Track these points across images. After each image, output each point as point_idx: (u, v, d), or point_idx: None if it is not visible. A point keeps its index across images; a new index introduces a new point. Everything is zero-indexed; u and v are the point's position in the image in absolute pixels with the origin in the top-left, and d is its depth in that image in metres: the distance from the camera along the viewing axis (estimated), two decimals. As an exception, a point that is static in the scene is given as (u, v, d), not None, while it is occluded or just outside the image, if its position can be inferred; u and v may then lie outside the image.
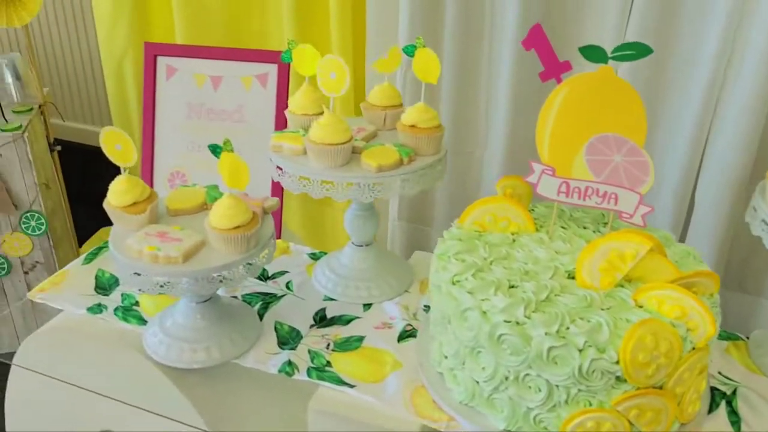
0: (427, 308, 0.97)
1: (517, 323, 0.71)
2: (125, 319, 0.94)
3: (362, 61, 1.67)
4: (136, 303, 0.98)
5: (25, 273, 1.81)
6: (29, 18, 1.69)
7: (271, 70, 1.11)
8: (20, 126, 1.67)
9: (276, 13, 1.85)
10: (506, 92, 1.41)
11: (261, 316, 0.96)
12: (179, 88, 1.13)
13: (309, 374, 0.86)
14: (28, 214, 1.74)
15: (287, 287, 1.02)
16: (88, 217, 1.99)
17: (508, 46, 1.40)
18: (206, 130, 1.13)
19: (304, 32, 1.77)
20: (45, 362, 0.95)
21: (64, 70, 2.43)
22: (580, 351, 0.68)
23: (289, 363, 0.87)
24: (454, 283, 0.77)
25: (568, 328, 0.69)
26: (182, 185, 0.92)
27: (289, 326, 0.94)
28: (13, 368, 0.99)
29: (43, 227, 1.75)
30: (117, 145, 0.81)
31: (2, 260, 1.77)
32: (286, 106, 1.10)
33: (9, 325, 1.87)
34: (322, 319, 0.96)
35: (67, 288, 1.02)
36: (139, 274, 0.78)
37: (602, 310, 0.72)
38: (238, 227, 0.78)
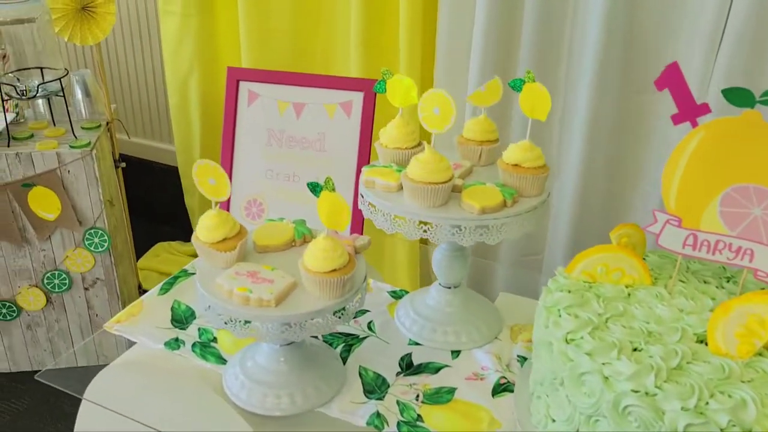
0: (521, 360, 0.90)
1: (647, 394, 0.64)
2: (203, 357, 0.90)
3: (430, 88, 1.63)
4: (214, 339, 0.94)
5: (86, 289, 1.80)
6: (102, 36, 1.69)
7: (356, 98, 1.06)
8: (89, 143, 1.67)
9: (343, 38, 1.83)
10: (581, 126, 1.35)
11: (344, 360, 0.91)
12: (261, 113, 1.09)
13: (399, 429, 0.80)
14: (91, 231, 1.73)
15: (369, 328, 0.97)
16: (143, 231, 1.99)
17: (586, 74, 1.34)
18: (286, 157, 1.09)
19: (371, 58, 1.74)
20: (118, 397, 0.91)
21: (127, 86, 2.45)
22: (722, 431, 0.60)
23: (378, 415, 0.82)
24: (568, 342, 0.70)
25: (707, 403, 0.62)
26: (268, 219, 0.88)
27: (375, 373, 0.88)
28: (84, 402, 0.96)
29: (106, 244, 1.74)
30: (210, 179, 0.78)
31: (64, 276, 1.77)
32: (371, 136, 1.06)
33: (67, 341, 1.87)
34: (408, 366, 0.90)
35: (143, 320, 0.98)
36: (229, 316, 0.74)
37: (743, 382, 0.65)
38: (334, 270, 0.73)
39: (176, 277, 1.06)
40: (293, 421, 0.83)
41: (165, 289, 1.04)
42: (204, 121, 2.19)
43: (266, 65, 1.97)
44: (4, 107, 1.66)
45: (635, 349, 0.69)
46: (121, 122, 1.89)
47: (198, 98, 2.15)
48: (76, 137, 1.70)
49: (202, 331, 0.95)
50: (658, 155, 1.36)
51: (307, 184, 0.75)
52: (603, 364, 0.67)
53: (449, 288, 0.95)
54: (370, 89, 1.06)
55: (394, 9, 1.67)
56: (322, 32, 1.89)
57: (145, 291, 2.08)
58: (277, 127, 1.09)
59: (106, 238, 1.74)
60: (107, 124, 1.79)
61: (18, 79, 1.61)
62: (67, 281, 1.78)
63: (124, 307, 1.85)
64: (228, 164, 1.11)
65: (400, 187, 0.85)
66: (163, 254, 2.40)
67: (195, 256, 2.36)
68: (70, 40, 1.68)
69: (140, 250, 2.12)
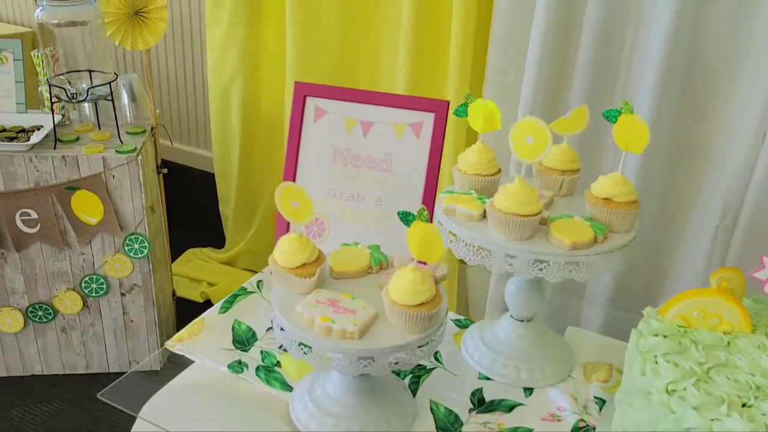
0: (599, 402, 0.86)
1: (762, 455, 0.60)
2: (268, 382, 0.87)
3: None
4: (277, 363, 0.91)
5: (122, 295, 1.79)
6: (153, 42, 1.67)
7: (427, 119, 1.03)
8: (135, 148, 1.65)
9: (391, 51, 1.81)
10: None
11: (413, 392, 0.87)
12: (327, 130, 1.07)
13: (478, 470, 0.76)
14: (132, 237, 1.71)
15: (437, 359, 0.93)
16: (174, 236, 1.97)
17: (643, 99, 1.30)
18: (350, 176, 1.06)
19: (418, 72, 1.72)
20: (177, 419, 0.88)
21: (167, 91, 2.44)
22: None
23: (454, 455, 0.78)
24: (670, 393, 0.67)
25: (830, 469, 0.58)
26: (343, 244, 0.85)
27: (446, 408, 0.85)
28: (138, 421, 0.93)
29: (146, 251, 1.73)
30: (294, 202, 0.75)
31: (102, 281, 1.75)
32: (440, 160, 1.03)
33: (101, 345, 1.85)
34: (480, 402, 0.86)
35: (204, 339, 0.95)
36: (308, 347, 0.71)
37: None
38: (422, 304, 0.70)
39: (236, 296, 1.03)
40: (363, 456, 0.79)
41: (225, 308, 1.01)
42: (244, 130, 2.18)
43: (310, 76, 1.95)
44: (52, 109, 1.65)
45: (744, 405, 0.65)
46: (165, 128, 1.87)
47: (239, 106, 2.14)
48: (122, 142, 1.68)
49: (264, 354, 0.92)
50: (714, 182, 1.32)
51: (398, 214, 0.71)
52: (712, 420, 0.63)
53: (522, 321, 0.91)
54: (442, 111, 1.02)
55: (446, 24, 1.65)
56: (369, 45, 1.87)
57: (179, 298, 2.06)
58: (343, 145, 1.06)
59: (146, 244, 1.72)
60: (152, 129, 1.77)
61: (69, 82, 1.60)
62: (104, 286, 1.76)
63: (159, 313, 1.83)
64: (291, 180, 1.08)
65: (483, 216, 0.82)
66: (194, 260, 2.38)
67: (227, 263, 2.35)
68: (120, 44, 1.66)
69: (173, 255, 2.11)
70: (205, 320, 1.00)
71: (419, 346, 0.72)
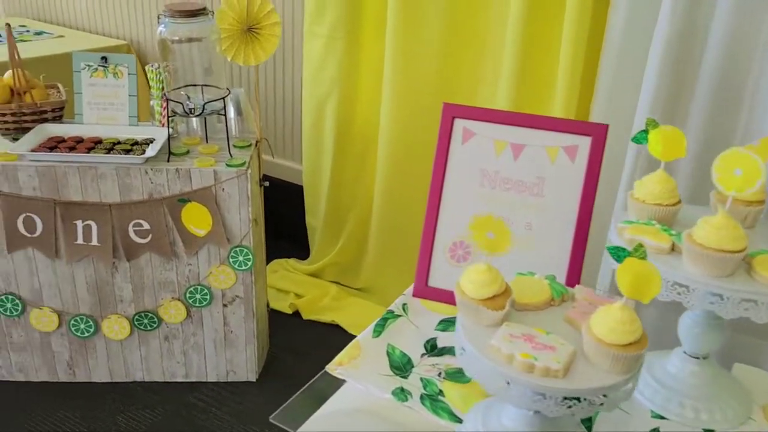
0: (785, 446, 0.82)
1: None
2: (435, 412, 0.86)
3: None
4: (440, 392, 0.89)
5: (224, 305, 1.81)
6: (265, 57, 1.70)
7: (583, 143, 1.01)
8: (244, 162, 1.67)
9: (492, 69, 1.79)
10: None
11: (587, 429, 0.85)
12: (475, 152, 1.05)
13: None
14: (237, 249, 1.73)
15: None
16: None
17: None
18: (498, 200, 1.04)
19: (521, 92, 1.70)
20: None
21: (264, 104, 2.47)
22: None
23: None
24: None
25: None
26: (518, 273, 0.83)
27: (623, 445, 0.82)
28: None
29: (250, 263, 1.74)
30: (489, 232, 0.73)
31: (206, 291, 1.77)
32: (596, 185, 1.00)
33: (200, 354, 1.87)
34: (658, 443, 0.83)
35: (363, 363, 0.94)
36: (508, 383, 0.69)
37: None
38: (631, 344, 0.68)
39: (385, 319, 1.03)
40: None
41: (377, 332, 1.00)
42: (337, 144, 2.19)
43: (408, 92, 1.95)
44: (168, 123, 1.68)
45: None
46: (267, 141, 1.89)
47: (333, 121, 2.15)
48: (231, 155, 1.71)
49: (425, 382, 0.91)
50: None
51: (608, 249, 0.69)
52: None
53: (696, 358, 0.88)
54: (600, 134, 1.00)
55: (555, 41, 1.63)
56: (470, 61, 1.86)
57: (272, 310, 2.07)
58: (492, 168, 1.04)
59: (250, 256, 1.74)
60: (256, 143, 1.79)
61: (188, 97, 1.63)
62: (208, 297, 1.79)
63: (257, 324, 1.84)
64: (436, 202, 1.07)
65: (672, 249, 0.79)
66: (280, 271, 2.40)
67: (313, 275, 2.34)
68: (233, 59, 1.69)
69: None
70: (361, 344, 0.99)
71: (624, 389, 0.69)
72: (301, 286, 2.31)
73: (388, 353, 0.96)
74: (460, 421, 0.84)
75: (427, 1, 1.83)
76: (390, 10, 1.88)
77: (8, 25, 1.75)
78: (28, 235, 1.69)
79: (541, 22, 1.62)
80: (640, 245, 0.67)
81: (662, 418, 0.87)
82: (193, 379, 1.91)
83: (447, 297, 1.05)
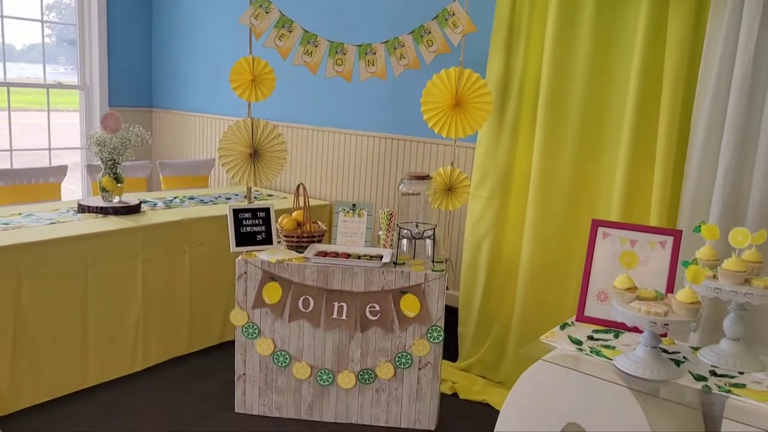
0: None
1: None
2: (597, 354, 1.69)
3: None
4: (599, 352, 1.73)
5: (419, 369, 2.65)
6: (458, 206, 2.74)
7: (669, 239, 1.93)
8: (443, 269, 2.63)
9: (606, 187, 2.73)
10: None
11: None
12: (609, 245, 1.98)
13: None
14: (433, 327, 2.62)
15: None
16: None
17: None
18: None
19: (627, 208, 2.61)
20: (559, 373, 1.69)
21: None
22: None
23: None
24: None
25: None
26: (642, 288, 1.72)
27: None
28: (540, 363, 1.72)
29: (441, 337, 2.62)
30: (627, 258, 1.64)
31: (409, 357, 2.63)
32: (677, 259, 1.90)
33: (399, 405, 2.68)
34: None
35: (556, 342, 1.80)
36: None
37: None
38: (692, 303, 1.54)
39: (565, 324, 1.89)
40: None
41: (562, 327, 1.86)
42: (488, 273, 3.12)
43: (542, 238, 2.91)
44: (398, 244, 2.70)
45: None
46: (451, 261, 2.87)
47: (486, 256, 3.11)
48: (434, 265, 2.68)
49: (590, 349, 1.75)
50: None
51: (683, 263, 1.59)
52: None
53: (734, 340, 1.69)
54: (677, 235, 1.92)
55: (649, 170, 2.56)
56: (587, 214, 2.83)
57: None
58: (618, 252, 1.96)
59: (442, 333, 2.62)
60: (445, 261, 2.77)
61: (417, 225, 2.66)
62: (410, 361, 2.65)
63: (440, 385, 2.66)
64: (588, 269, 1.98)
65: (714, 276, 1.66)
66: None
67: (463, 370, 3.15)
68: (437, 206, 2.74)
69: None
70: (555, 332, 1.85)
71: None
72: (456, 377, 3.12)
73: (568, 336, 1.81)
74: (610, 360, 1.68)
75: (556, 177, 2.86)
76: (531, 183, 2.93)
77: (301, 184, 2.90)
78: (303, 311, 2.66)
79: (639, 161, 2.56)
80: (695, 259, 1.56)
81: (715, 374, 1.65)
82: (391, 424, 2.70)
83: (595, 321, 1.92)
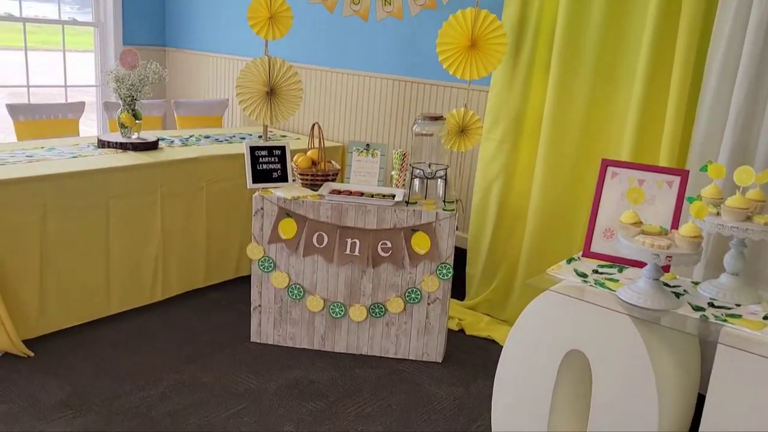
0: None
1: None
2: (601, 286, 1.78)
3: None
4: (603, 284, 1.81)
5: (428, 304, 2.75)
6: (472, 145, 2.78)
7: (676, 179, 1.98)
8: (453, 209, 2.70)
9: (617, 131, 2.77)
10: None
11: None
12: (617, 184, 2.04)
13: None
14: (442, 264, 2.71)
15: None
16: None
17: None
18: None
19: (638, 152, 2.65)
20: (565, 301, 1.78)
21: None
22: None
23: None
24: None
25: None
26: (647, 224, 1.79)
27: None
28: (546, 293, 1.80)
29: (450, 274, 2.71)
30: (635, 195, 1.71)
31: (418, 292, 2.74)
32: (683, 196, 1.96)
33: (407, 338, 2.80)
34: None
35: (562, 274, 1.88)
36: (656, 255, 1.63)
37: None
38: (695, 237, 1.61)
39: (572, 259, 1.97)
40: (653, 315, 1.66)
41: (569, 262, 1.94)
42: (498, 216, 3.18)
43: (552, 183, 2.97)
44: (411, 186, 2.77)
45: None
46: (461, 202, 2.94)
47: (495, 200, 3.17)
48: (445, 204, 2.75)
49: (595, 281, 1.83)
50: None
51: (688, 198, 1.65)
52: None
53: (734, 275, 1.77)
54: (684, 175, 1.97)
55: (661, 115, 2.59)
56: (599, 148, 2.87)
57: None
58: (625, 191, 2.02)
59: (450, 270, 2.72)
60: (456, 201, 2.84)
61: (430, 166, 2.73)
62: (419, 296, 2.75)
63: (447, 321, 2.78)
64: (596, 205, 2.04)
65: (717, 213, 1.73)
66: (446, 305, 3.33)
67: (470, 308, 3.27)
68: (450, 147, 2.80)
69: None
70: (560, 265, 1.94)
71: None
72: (462, 314, 3.24)
73: (574, 269, 1.90)
74: (613, 291, 1.76)
75: (567, 121, 2.89)
76: (543, 127, 2.96)
77: (316, 124, 2.95)
78: (318, 246, 2.75)
79: (652, 105, 2.59)
80: (699, 196, 1.62)
81: (713, 305, 1.74)
82: (400, 356, 2.83)
83: (600, 257, 2.00)
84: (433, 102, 3.55)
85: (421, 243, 2.70)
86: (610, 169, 2.01)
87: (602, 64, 2.76)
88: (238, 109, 4.54)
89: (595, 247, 2.00)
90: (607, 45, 2.73)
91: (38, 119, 3.52)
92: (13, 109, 3.47)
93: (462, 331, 3.12)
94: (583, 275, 1.86)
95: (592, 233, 1.99)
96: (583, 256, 2.01)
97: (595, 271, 1.90)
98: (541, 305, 1.82)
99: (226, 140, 3.65)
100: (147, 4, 4.74)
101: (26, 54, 4.29)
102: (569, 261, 1.95)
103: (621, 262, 1.94)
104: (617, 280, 1.82)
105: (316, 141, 2.89)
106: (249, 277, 2.85)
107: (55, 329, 2.74)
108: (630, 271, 1.90)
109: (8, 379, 2.42)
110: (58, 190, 2.63)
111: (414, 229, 2.69)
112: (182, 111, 4.25)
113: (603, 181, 2.00)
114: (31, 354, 2.59)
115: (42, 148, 3.02)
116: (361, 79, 3.82)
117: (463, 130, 2.80)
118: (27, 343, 2.61)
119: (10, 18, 4.27)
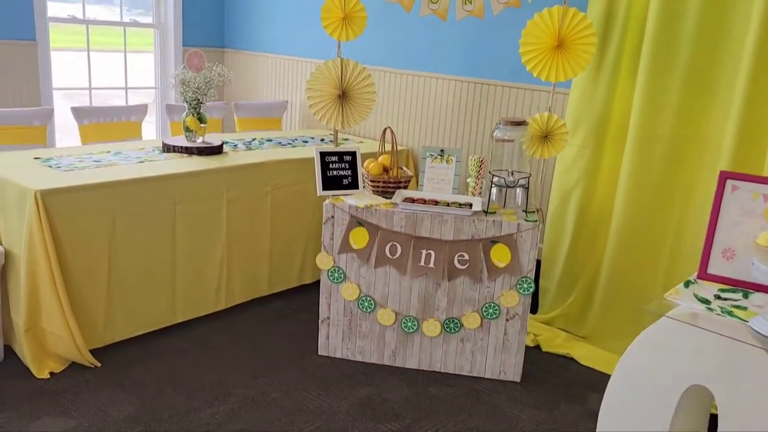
0: None
1: None
2: (730, 315, 1.59)
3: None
4: (730, 312, 1.62)
5: (507, 320, 2.59)
6: (555, 153, 2.61)
7: None
8: (536, 219, 2.53)
9: (715, 136, 2.57)
10: None
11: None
12: (738, 201, 1.84)
13: None
14: (523, 278, 2.54)
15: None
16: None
17: None
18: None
19: (739, 159, 2.43)
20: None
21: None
22: None
23: None
24: None
25: None
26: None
27: None
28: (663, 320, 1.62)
29: (531, 289, 2.54)
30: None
31: (496, 307, 2.58)
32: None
33: (483, 355, 2.64)
34: None
35: (681, 299, 1.70)
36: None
37: None
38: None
39: (688, 282, 1.79)
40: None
41: (686, 285, 1.76)
42: (576, 226, 3.00)
43: (638, 193, 2.77)
44: (490, 194, 2.61)
45: None
46: (541, 212, 2.76)
47: (575, 209, 2.99)
48: (526, 215, 2.58)
49: (720, 309, 1.64)
50: None
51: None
52: None
53: None
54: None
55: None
56: (688, 177, 2.66)
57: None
58: (751, 207, 1.82)
59: (532, 285, 2.55)
60: (537, 211, 2.67)
61: (511, 173, 2.56)
62: (497, 311, 2.59)
63: (526, 338, 2.61)
64: (710, 240, 1.84)
65: None
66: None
67: (545, 323, 3.08)
68: (532, 155, 2.62)
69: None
70: (678, 289, 1.75)
71: None
72: (537, 329, 3.06)
73: (694, 294, 1.71)
74: (745, 321, 1.57)
75: (658, 125, 2.69)
76: (630, 131, 2.76)
77: (388, 128, 2.81)
78: (390, 257, 2.61)
79: (756, 109, 2.36)
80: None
81: None
82: (475, 374, 2.67)
83: (719, 279, 1.80)
84: (507, 105, 3.38)
85: (500, 255, 2.54)
86: (729, 183, 1.82)
87: (699, 64, 2.56)
88: (298, 111, 4.45)
89: (713, 269, 1.81)
90: (705, 42, 2.53)
91: (102, 122, 3.49)
92: (78, 113, 3.44)
93: (538, 347, 2.95)
94: (705, 301, 1.67)
95: (709, 253, 1.80)
96: (698, 277, 1.81)
97: (718, 297, 1.71)
98: (657, 334, 1.64)
99: (288, 143, 3.55)
100: (206, 5, 4.69)
101: (89, 56, 4.29)
102: (687, 284, 1.77)
103: (746, 287, 1.74)
104: (745, 308, 1.63)
105: (387, 145, 2.76)
106: (312, 285, 2.74)
107: (122, 338, 2.67)
108: (756, 297, 1.70)
109: (76, 391, 2.36)
110: (126, 196, 2.56)
111: (493, 241, 2.53)
112: (242, 113, 4.17)
113: (721, 196, 1.81)
114: (98, 364, 2.52)
115: (108, 152, 2.97)
116: (431, 81, 3.67)
117: (546, 136, 2.63)
118: (93, 352, 2.55)
119: (74, 20, 4.27)
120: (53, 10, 4.00)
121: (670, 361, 1.61)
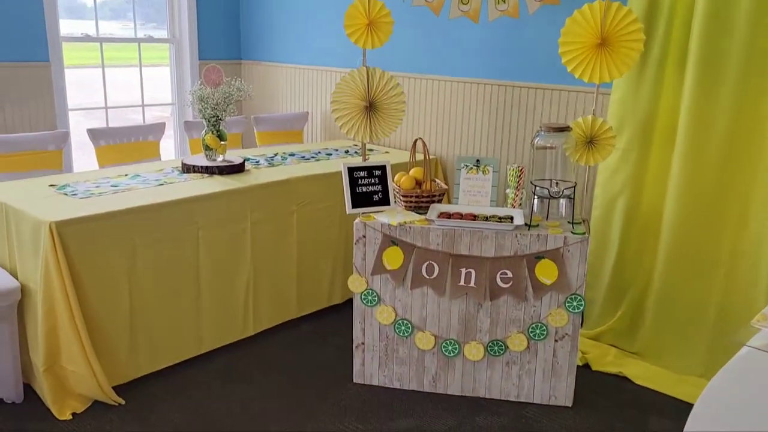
0: None
1: None
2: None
3: None
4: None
5: (556, 341, 2.40)
6: (601, 160, 2.41)
7: None
8: (584, 232, 2.34)
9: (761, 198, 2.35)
10: None
11: None
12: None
13: None
14: (572, 296, 2.35)
15: None
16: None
17: None
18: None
19: None
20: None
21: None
22: None
23: None
24: None
25: None
26: None
27: None
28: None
29: (581, 307, 2.35)
30: None
31: (544, 327, 2.39)
32: None
33: (531, 379, 2.45)
34: None
35: (768, 326, 1.50)
36: None
37: None
38: None
39: None
40: None
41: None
42: (623, 235, 2.80)
43: (691, 194, 2.56)
44: (533, 204, 2.42)
45: None
46: (587, 222, 2.56)
47: (622, 215, 2.79)
48: (573, 227, 2.39)
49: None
50: None
51: None
52: None
53: None
54: None
55: None
56: (752, 154, 2.44)
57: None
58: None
59: (582, 302, 2.35)
60: (583, 222, 2.47)
61: (556, 183, 2.37)
62: (545, 332, 2.40)
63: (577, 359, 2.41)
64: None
65: None
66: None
67: (592, 339, 2.86)
68: (576, 161, 2.43)
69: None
70: (766, 314, 1.55)
71: None
72: (585, 346, 2.86)
73: None
74: None
75: (711, 125, 2.48)
76: (680, 132, 2.56)
77: (420, 139, 2.64)
78: (427, 277, 2.44)
79: None
80: None
81: None
82: (522, 400, 2.48)
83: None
84: (542, 109, 3.18)
85: (546, 272, 2.35)
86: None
87: (755, 55, 2.35)
88: (319, 122, 4.30)
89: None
90: (763, 32, 2.31)
91: (119, 143, 3.36)
92: (94, 134, 3.32)
93: (587, 365, 2.75)
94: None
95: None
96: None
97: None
98: (746, 366, 1.44)
99: (312, 157, 3.40)
100: (222, 17, 4.56)
101: (104, 73, 4.18)
102: (773, 308, 1.57)
103: (843, 309, 1.53)
104: None
105: (418, 156, 2.58)
106: (342, 305, 2.57)
107: (146, 373, 2.53)
108: None
109: (101, 432, 2.22)
110: (146, 223, 2.42)
111: (538, 257, 2.34)
112: (262, 126, 4.03)
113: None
114: (122, 402, 2.38)
115: (126, 175, 2.84)
116: (460, 86, 3.48)
117: (591, 141, 2.43)
118: (116, 389, 2.41)
119: (87, 39, 4.17)
120: (66, 28, 3.89)
121: (758, 396, 1.41)
